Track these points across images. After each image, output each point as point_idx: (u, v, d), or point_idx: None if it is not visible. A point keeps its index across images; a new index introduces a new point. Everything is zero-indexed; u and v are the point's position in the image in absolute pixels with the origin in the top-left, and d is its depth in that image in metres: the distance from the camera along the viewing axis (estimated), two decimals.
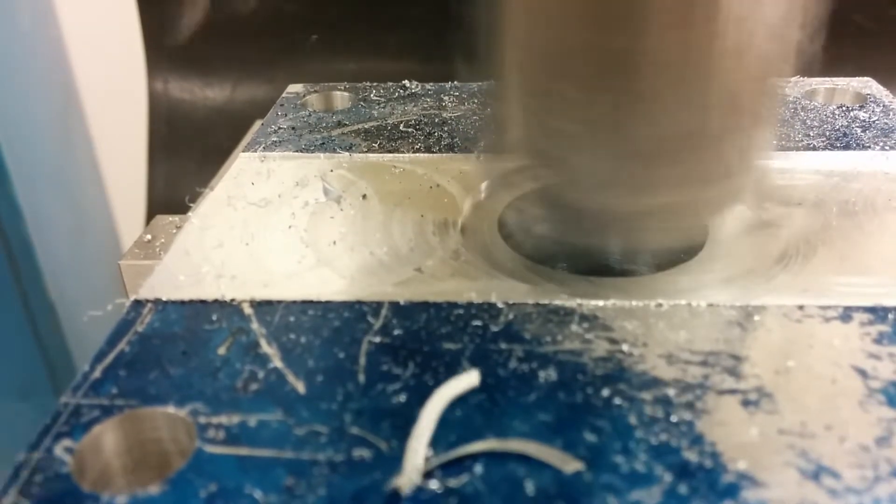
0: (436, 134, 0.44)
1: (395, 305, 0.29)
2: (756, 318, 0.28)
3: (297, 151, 0.42)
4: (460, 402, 0.24)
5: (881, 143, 0.42)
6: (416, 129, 0.45)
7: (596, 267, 0.32)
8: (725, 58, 0.27)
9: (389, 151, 0.42)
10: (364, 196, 0.37)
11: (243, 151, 0.43)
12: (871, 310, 0.28)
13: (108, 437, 0.24)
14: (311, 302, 0.29)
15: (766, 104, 0.30)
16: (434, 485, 0.21)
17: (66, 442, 0.23)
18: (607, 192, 0.30)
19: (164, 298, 0.30)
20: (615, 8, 0.26)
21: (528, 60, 0.30)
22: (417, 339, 0.27)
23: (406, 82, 0.51)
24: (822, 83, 0.50)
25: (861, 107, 0.47)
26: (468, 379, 0.25)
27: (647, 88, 0.27)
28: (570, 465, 0.22)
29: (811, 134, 0.43)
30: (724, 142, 0.29)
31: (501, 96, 0.32)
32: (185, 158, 0.76)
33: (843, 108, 0.46)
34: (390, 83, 0.51)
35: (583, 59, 0.28)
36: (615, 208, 0.30)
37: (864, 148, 0.41)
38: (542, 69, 0.29)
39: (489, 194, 0.38)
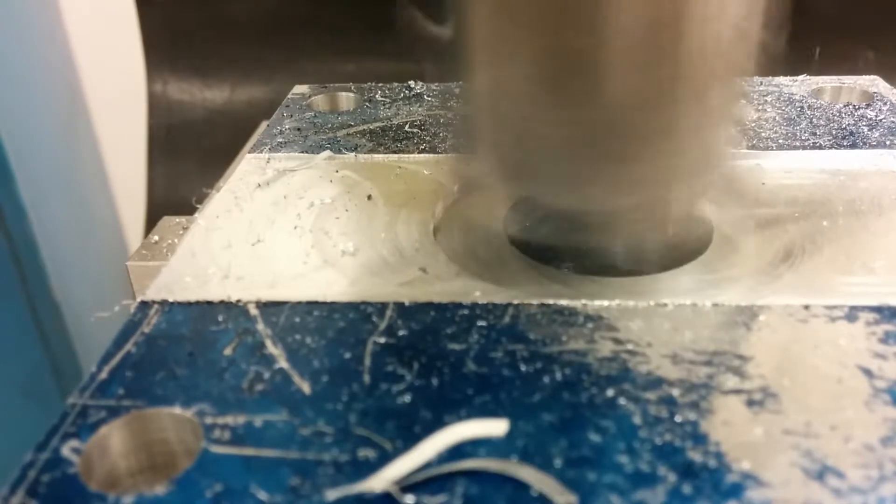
0: (441, 134, 0.44)
1: (400, 306, 0.29)
2: (761, 317, 0.28)
3: (302, 152, 0.42)
4: (465, 403, 0.24)
5: (888, 142, 0.41)
6: (422, 130, 0.45)
7: (601, 267, 0.32)
8: (691, 58, 0.27)
9: (395, 152, 0.42)
10: (369, 196, 0.37)
11: (249, 152, 0.43)
12: (876, 309, 0.28)
13: (114, 437, 0.24)
14: (316, 303, 0.30)
15: (732, 102, 0.30)
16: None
17: (74, 442, 0.23)
18: (575, 192, 0.30)
19: (170, 300, 0.30)
20: (580, 10, 0.27)
21: (495, 62, 0.30)
22: (422, 339, 0.27)
23: (411, 83, 0.52)
24: (828, 81, 0.50)
25: (868, 105, 0.46)
26: (494, 426, 0.23)
27: (613, 88, 0.27)
28: (564, 497, 0.21)
29: (817, 132, 0.43)
30: (691, 140, 0.29)
31: (471, 98, 0.32)
32: (184, 159, 0.77)
33: (850, 107, 0.46)
34: (395, 84, 0.52)
35: (548, 60, 0.28)
36: (584, 208, 0.31)
37: (871, 147, 0.41)
38: (509, 71, 0.30)
39: (463, 195, 0.38)
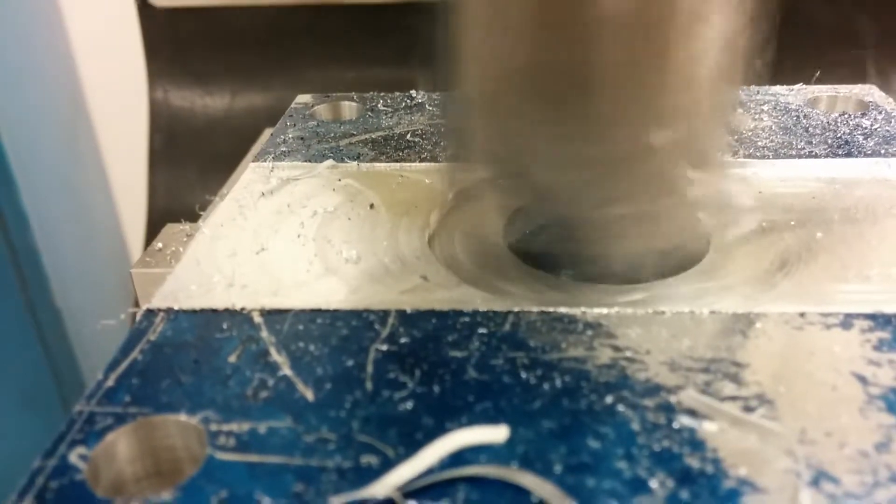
0: (442, 144, 0.45)
1: (401, 313, 0.30)
2: (758, 325, 0.28)
3: (305, 161, 0.43)
4: (466, 410, 0.25)
5: (883, 151, 0.42)
6: (423, 139, 0.45)
7: (600, 275, 0.32)
8: (678, 70, 0.28)
9: (396, 161, 0.43)
10: (371, 205, 0.38)
11: (252, 161, 0.43)
12: (871, 317, 0.29)
13: (121, 444, 0.24)
14: (319, 310, 0.30)
15: (720, 114, 0.31)
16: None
17: (81, 449, 0.23)
18: (566, 203, 0.31)
19: (175, 308, 0.30)
20: (568, 24, 0.27)
21: (486, 74, 0.30)
22: (424, 347, 0.28)
23: (413, 92, 0.52)
24: (824, 91, 0.50)
25: (863, 114, 0.47)
26: (494, 433, 0.24)
27: (602, 102, 0.28)
28: (564, 503, 0.21)
29: (813, 141, 0.43)
30: (680, 152, 0.30)
31: (462, 108, 0.33)
32: (185, 166, 0.77)
33: (846, 116, 0.47)
34: (397, 93, 0.52)
35: (538, 74, 0.29)
36: (575, 218, 0.31)
37: (866, 155, 0.41)
38: (500, 84, 0.30)
39: (457, 204, 0.39)
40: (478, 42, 0.30)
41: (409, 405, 0.25)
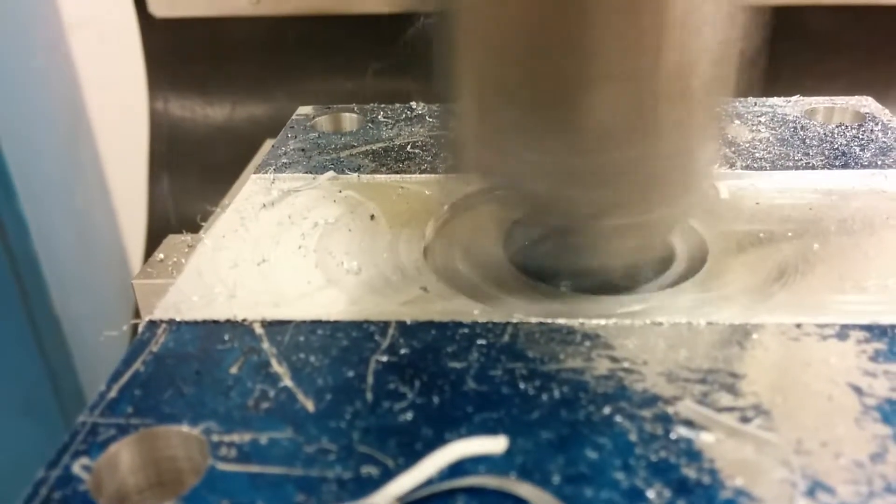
0: (442, 155, 0.45)
1: (401, 325, 0.30)
2: (754, 336, 0.29)
3: (306, 173, 0.43)
4: (465, 420, 0.25)
5: (879, 162, 0.42)
6: (423, 151, 0.46)
7: (598, 285, 0.33)
8: (670, 84, 0.28)
9: (397, 172, 0.43)
10: (372, 216, 0.38)
11: (254, 173, 0.43)
12: (867, 328, 0.29)
13: (124, 455, 0.24)
14: (320, 322, 0.30)
15: (712, 125, 0.31)
16: None
17: (84, 460, 0.24)
18: (562, 215, 0.31)
19: (177, 319, 0.30)
20: (560, 39, 0.27)
21: (481, 87, 0.31)
22: (423, 358, 0.28)
23: (413, 103, 0.52)
24: (821, 102, 0.50)
25: (860, 125, 0.47)
26: (493, 443, 0.24)
27: (596, 113, 0.28)
28: None
29: (810, 153, 0.44)
30: (672, 163, 0.30)
31: (459, 120, 0.33)
32: (185, 176, 0.77)
33: (843, 127, 0.47)
34: (397, 104, 0.52)
35: (531, 87, 0.29)
36: (569, 230, 0.31)
37: (863, 167, 0.42)
38: (494, 96, 0.30)
39: (453, 215, 0.39)
40: (473, 53, 0.30)
41: (408, 416, 0.25)
